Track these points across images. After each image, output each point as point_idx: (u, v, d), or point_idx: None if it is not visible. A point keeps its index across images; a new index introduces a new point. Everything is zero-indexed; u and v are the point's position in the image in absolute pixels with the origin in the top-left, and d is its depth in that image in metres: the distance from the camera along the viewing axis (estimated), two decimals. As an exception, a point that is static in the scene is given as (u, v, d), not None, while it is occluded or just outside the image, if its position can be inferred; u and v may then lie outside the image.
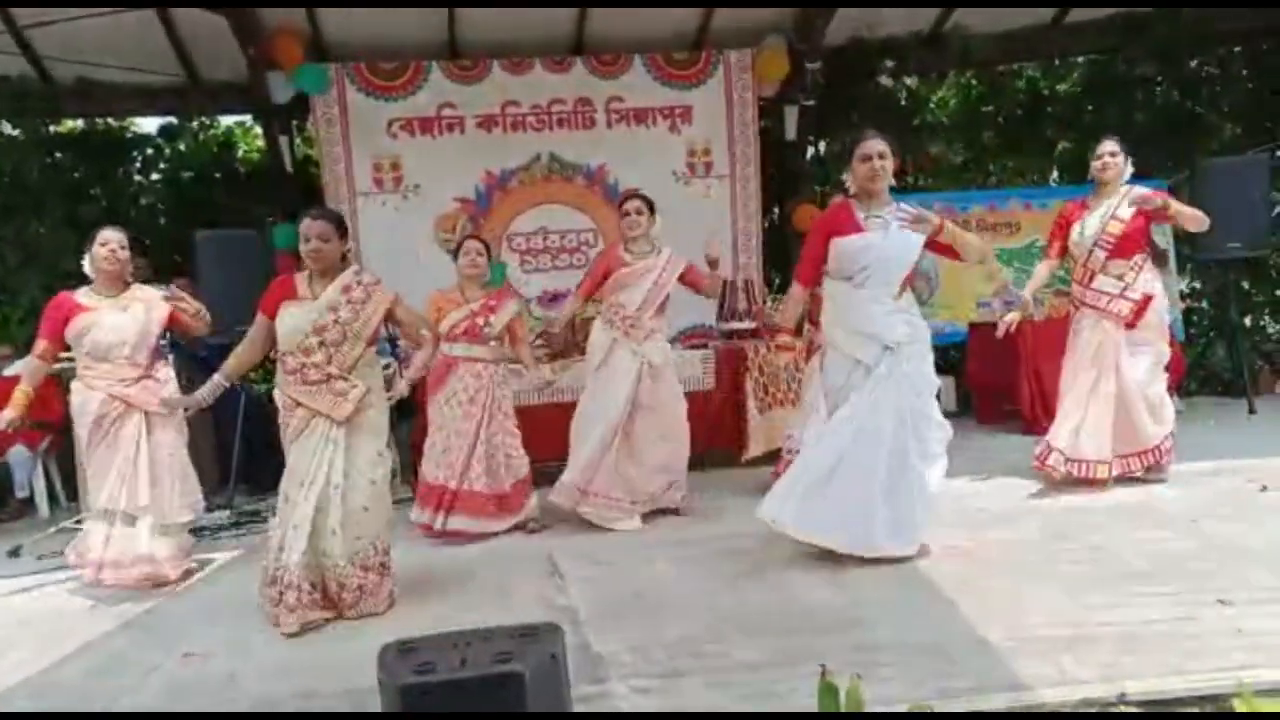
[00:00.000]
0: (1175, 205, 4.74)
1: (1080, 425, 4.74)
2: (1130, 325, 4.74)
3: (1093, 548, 3.73)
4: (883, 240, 3.75)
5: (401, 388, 4.00)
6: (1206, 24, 8.18)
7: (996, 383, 7.19)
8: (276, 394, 3.73)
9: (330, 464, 3.57)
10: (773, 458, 6.08)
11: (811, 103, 8.00)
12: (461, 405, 4.79)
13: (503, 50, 7.55)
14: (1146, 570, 3.38)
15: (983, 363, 7.39)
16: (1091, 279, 4.84)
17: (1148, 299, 4.73)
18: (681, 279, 4.95)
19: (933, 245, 3.86)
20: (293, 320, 3.62)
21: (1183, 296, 8.41)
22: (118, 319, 4.38)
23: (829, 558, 3.85)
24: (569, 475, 4.86)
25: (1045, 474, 4.83)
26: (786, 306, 4.23)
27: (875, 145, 3.77)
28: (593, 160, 7.70)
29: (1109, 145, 4.86)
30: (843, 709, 2.13)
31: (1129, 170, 4.88)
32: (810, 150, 8.84)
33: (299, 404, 3.60)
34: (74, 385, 4.46)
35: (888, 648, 2.82)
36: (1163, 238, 7.19)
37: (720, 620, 3.21)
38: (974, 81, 9.58)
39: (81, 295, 4.44)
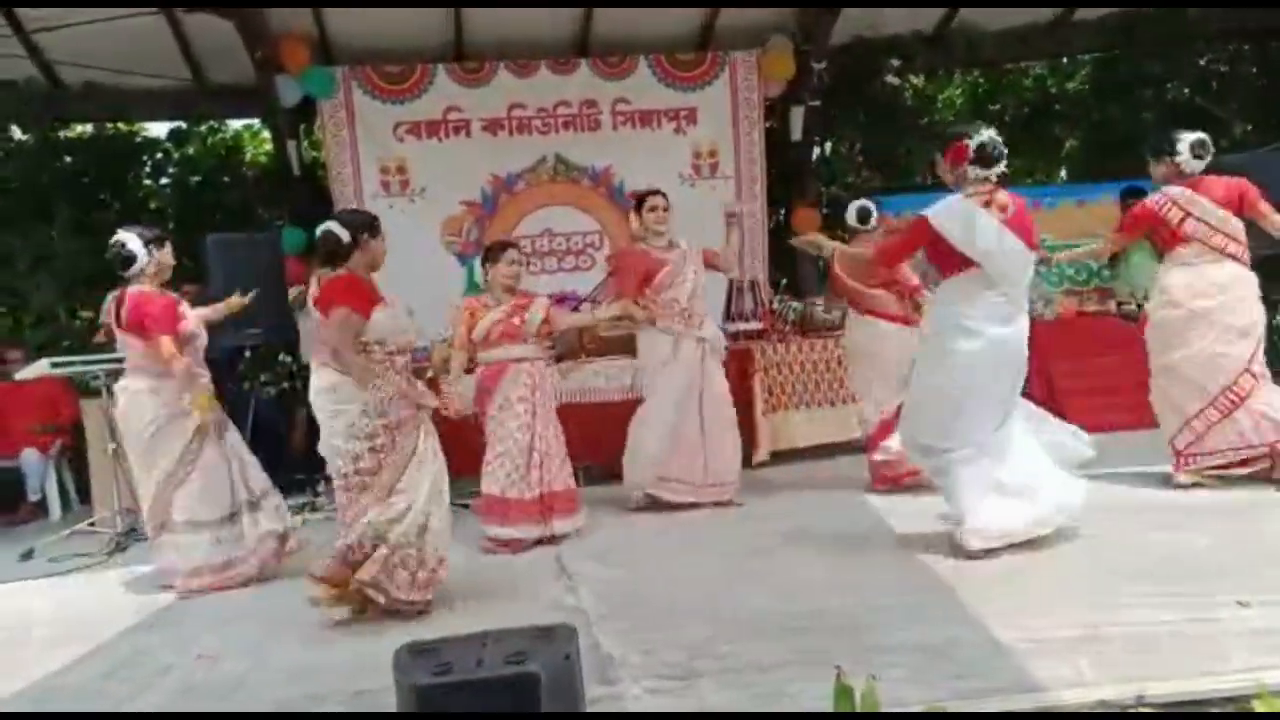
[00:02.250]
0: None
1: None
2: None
3: (1108, 547, 3.71)
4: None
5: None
6: (1208, 21, 8.16)
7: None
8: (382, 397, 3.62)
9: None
10: (780, 459, 6.10)
11: (817, 103, 7.99)
12: (513, 406, 4.67)
13: (508, 52, 7.56)
14: (1163, 570, 3.35)
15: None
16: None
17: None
18: (707, 264, 5.20)
19: None
20: (402, 321, 3.76)
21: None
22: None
23: (840, 558, 3.85)
24: (639, 473, 5.10)
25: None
26: None
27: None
28: (599, 162, 7.70)
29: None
30: (858, 710, 2.13)
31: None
32: (816, 150, 8.84)
33: (409, 399, 3.65)
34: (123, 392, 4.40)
35: (901, 649, 2.81)
36: None
37: (732, 621, 3.20)
38: (981, 80, 9.57)
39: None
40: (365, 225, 3.77)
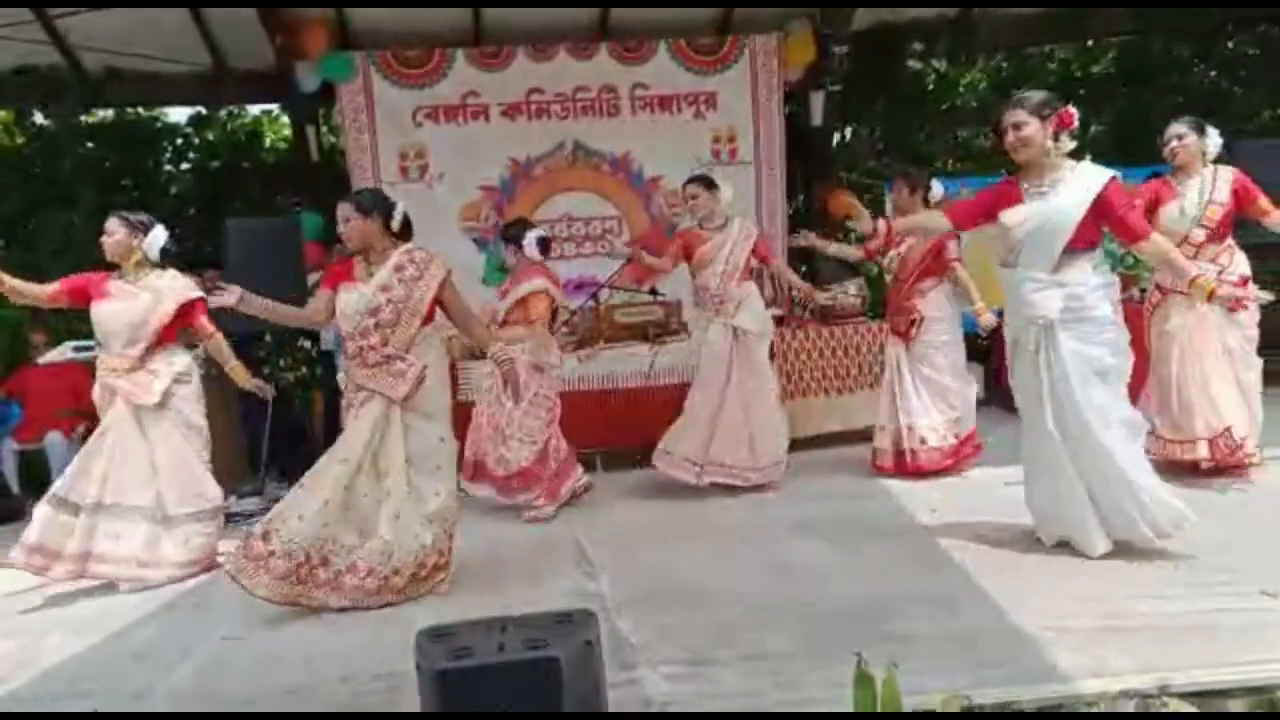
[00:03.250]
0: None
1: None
2: (1234, 309, 4.46)
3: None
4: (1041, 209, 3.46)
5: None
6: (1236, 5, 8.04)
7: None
8: (340, 378, 3.77)
9: (386, 446, 3.60)
10: (798, 446, 6.08)
11: (838, 88, 7.92)
12: (487, 393, 4.97)
13: (527, 37, 7.53)
14: (1185, 561, 3.33)
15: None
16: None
17: (1245, 279, 4.57)
18: (754, 251, 5.12)
19: None
20: (348, 304, 3.68)
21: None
22: (121, 306, 4.25)
23: (860, 546, 3.83)
24: (682, 448, 5.02)
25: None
26: None
27: (1010, 116, 3.48)
28: (617, 147, 7.68)
29: (1175, 128, 4.72)
30: (879, 698, 2.11)
31: (1211, 148, 4.74)
32: (836, 136, 8.77)
33: (360, 387, 3.64)
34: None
35: (921, 637, 2.80)
36: None
37: (751, 608, 3.20)
38: (1004, 64, 9.46)
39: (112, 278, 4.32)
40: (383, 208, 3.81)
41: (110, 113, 8.52)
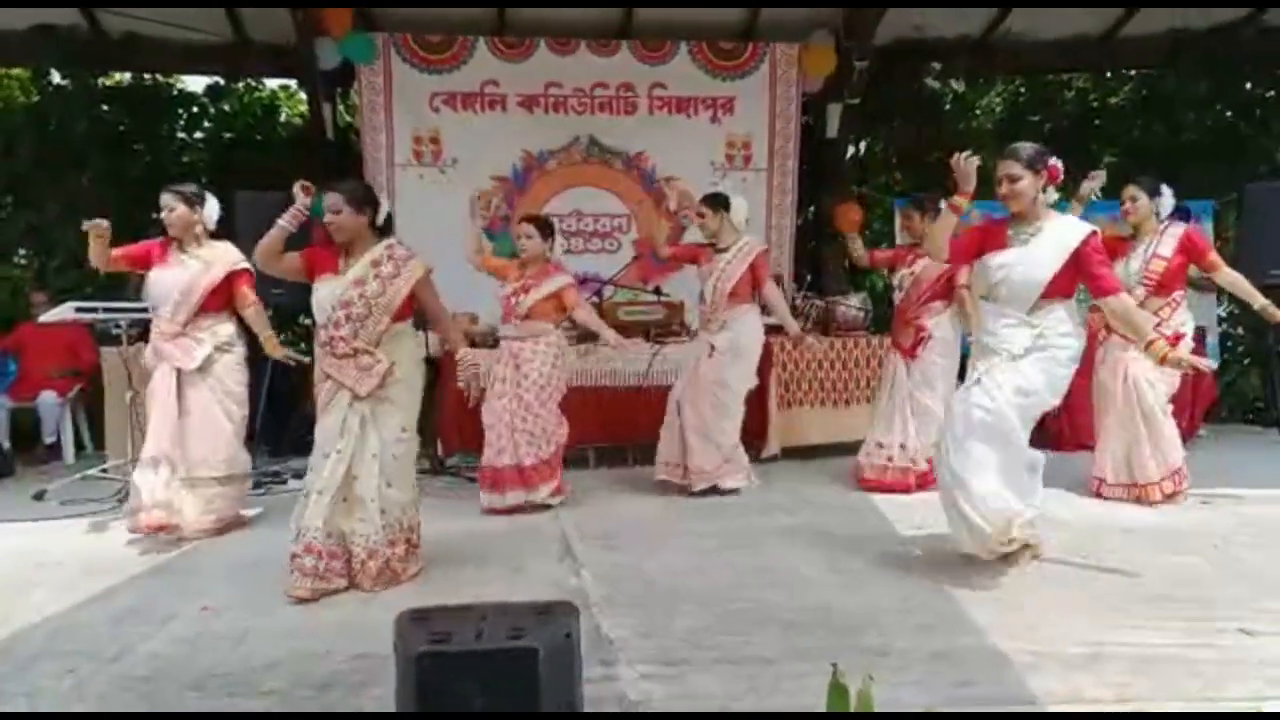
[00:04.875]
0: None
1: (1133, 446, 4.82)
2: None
3: (1114, 567, 3.69)
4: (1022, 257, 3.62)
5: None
6: (1261, 43, 8.04)
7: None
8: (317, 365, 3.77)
9: (356, 437, 3.59)
10: (791, 455, 6.10)
11: (856, 101, 7.93)
12: (495, 385, 4.92)
13: (551, 31, 7.54)
14: (1168, 593, 3.34)
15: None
16: None
17: (1178, 337, 4.70)
18: (752, 269, 5.15)
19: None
20: (322, 295, 3.67)
21: (1220, 321, 8.28)
22: (173, 273, 4.49)
23: (846, 558, 3.84)
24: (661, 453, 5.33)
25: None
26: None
27: (1004, 168, 3.63)
28: (632, 146, 7.68)
29: (1130, 190, 4.91)
30: (852, 710, 2.12)
31: (1165, 206, 4.94)
32: (850, 149, 8.78)
33: (328, 376, 3.64)
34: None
35: (900, 652, 2.81)
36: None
37: (733, 612, 3.21)
38: (1022, 90, 9.47)
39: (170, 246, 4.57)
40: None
41: (127, 77, 8.51)
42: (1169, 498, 4.77)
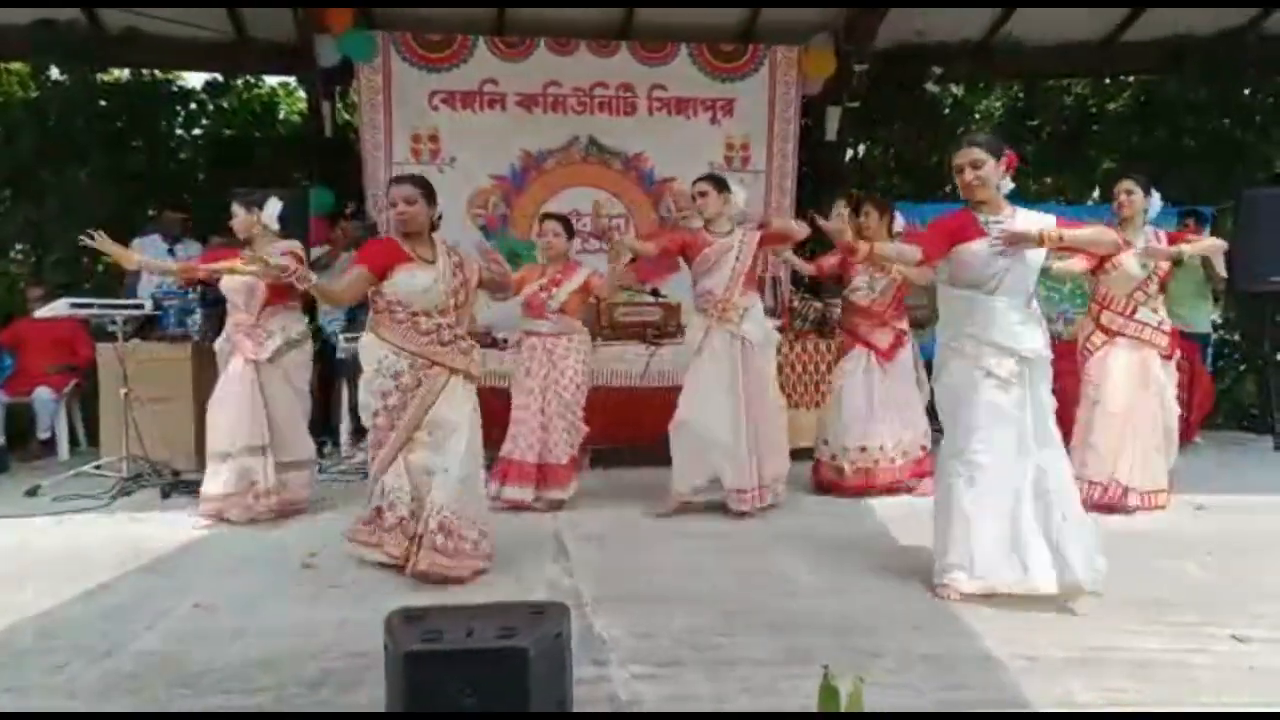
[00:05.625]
0: (1190, 248, 4.79)
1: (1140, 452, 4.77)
2: (1168, 357, 4.81)
3: (1109, 573, 3.68)
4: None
5: None
6: (1262, 49, 8.06)
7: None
8: (371, 347, 3.73)
9: (468, 420, 3.71)
10: (790, 457, 6.07)
11: (856, 104, 7.93)
12: (524, 380, 4.92)
13: (550, 31, 7.54)
14: (1161, 599, 3.34)
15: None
16: (1135, 311, 4.80)
17: (1176, 331, 4.85)
18: (764, 242, 4.88)
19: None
20: (421, 282, 3.68)
21: (1216, 328, 8.28)
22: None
23: (841, 560, 3.83)
24: (677, 481, 4.77)
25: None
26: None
27: (966, 155, 3.46)
28: (631, 147, 7.67)
29: (1127, 183, 4.82)
30: (843, 711, 2.12)
31: (1153, 207, 4.85)
32: (849, 152, 8.78)
33: (435, 362, 3.67)
34: None
35: (892, 655, 2.80)
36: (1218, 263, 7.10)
37: (726, 614, 3.20)
38: (1021, 94, 9.48)
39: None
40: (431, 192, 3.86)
41: (126, 73, 8.50)
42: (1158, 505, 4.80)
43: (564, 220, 5.14)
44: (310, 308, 7.00)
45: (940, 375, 3.55)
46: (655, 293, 6.51)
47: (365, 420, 3.79)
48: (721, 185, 4.86)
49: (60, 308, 5.48)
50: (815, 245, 6.24)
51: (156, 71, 8.52)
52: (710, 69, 7.71)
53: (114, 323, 5.61)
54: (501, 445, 4.87)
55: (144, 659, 2.88)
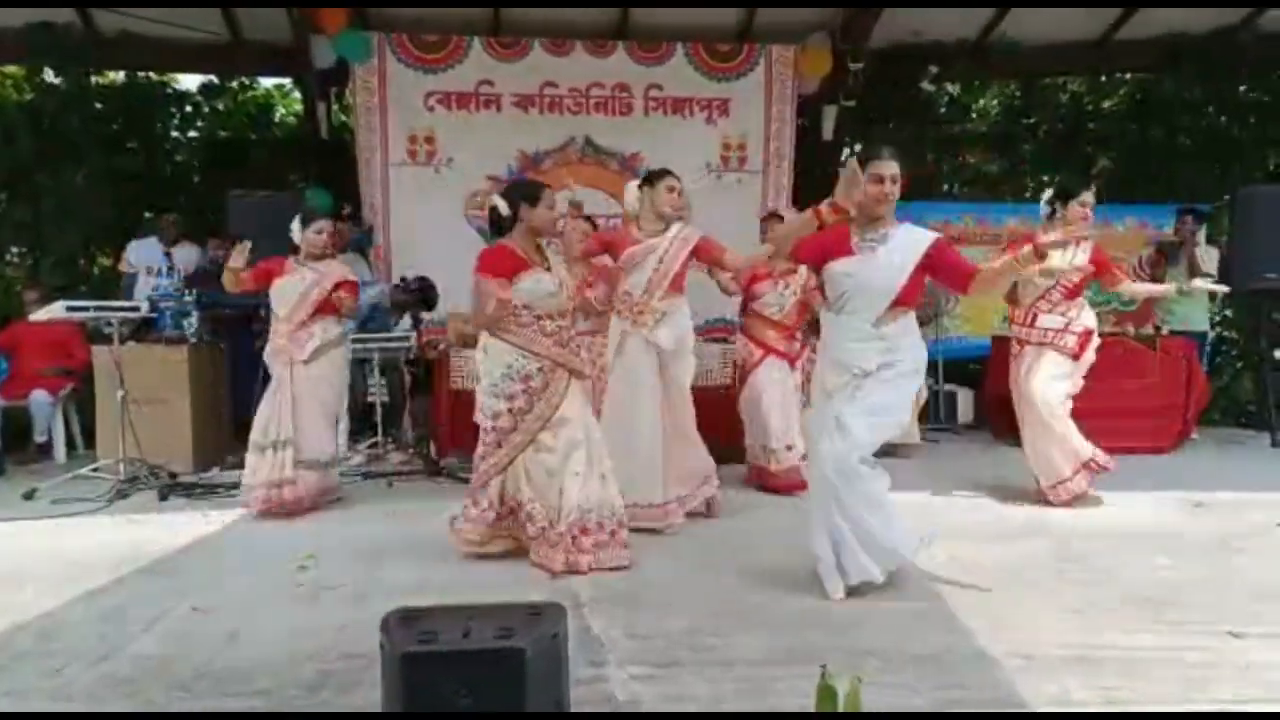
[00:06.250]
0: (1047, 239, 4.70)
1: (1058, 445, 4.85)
2: (1076, 357, 4.89)
3: (1105, 570, 3.69)
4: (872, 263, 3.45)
5: None
6: (1257, 48, 8.07)
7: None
8: (492, 353, 3.80)
9: (588, 418, 3.87)
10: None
11: (852, 103, 7.94)
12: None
13: (546, 31, 7.54)
14: (1159, 597, 3.34)
15: (999, 377, 7.32)
16: (1035, 319, 4.93)
17: (1089, 332, 4.91)
18: (697, 255, 4.58)
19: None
20: (547, 286, 3.80)
21: (1212, 325, 8.30)
22: (289, 282, 5.01)
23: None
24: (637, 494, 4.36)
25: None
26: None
27: (891, 167, 3.43)
28: (627, 147, 7.69)
29: (1088, 196, 4.87)
30: (841, 711, 2.12)
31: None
32: (845, 151, 8.78)
33: (558, 364, 3.78)
34: None
35: (888, 654, 2.80)
36: (1211, 262, 7.13)
37: (722, 614, 3.20)
38: (1017, 93, 9.49)
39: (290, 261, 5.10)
40: (524, 196, 3.87)
41: (121, 75, 8.50)
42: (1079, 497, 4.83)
43: (593, 221, 5.18)
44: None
45: None
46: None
47: (484, 423, 3.84)
48: (645, 181, 4.67)
49: (56, 310, 5.48)
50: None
51: (152, 74, 8.52)
52: (706, 69, 7.72)
53: (110, 325, 5.60)
54: None
55: (142, 661, 2.87)
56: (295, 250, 5.09)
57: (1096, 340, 4.96)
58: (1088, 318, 4.96)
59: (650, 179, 4.63)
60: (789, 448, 5.27)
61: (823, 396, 3.57)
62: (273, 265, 5.07)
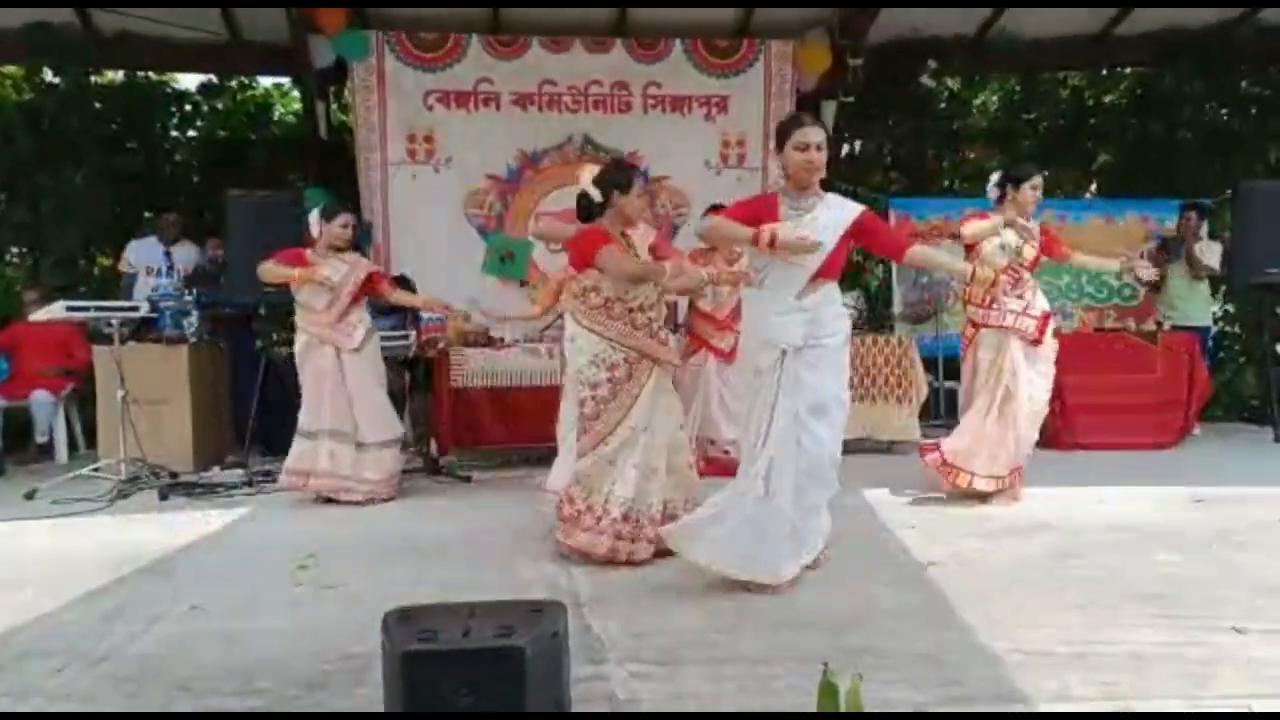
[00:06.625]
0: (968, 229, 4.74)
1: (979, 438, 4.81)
2: (1036, 342, 4.82)
3: (1106, 566, 3.68)
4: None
5: None
6: (1258, 43, 8.06)
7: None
8: (590, 340, 3.77)
9: (672, 407, 3.87)
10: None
11: (851, 99, 7.93)
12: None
13: (545, 30, 7.53)
14: (1159, 592, 3.33)
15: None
16: (993, 303, 4.85)
17: (1046, 315, 4.86)
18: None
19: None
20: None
21: (1215, 320, 8.29)
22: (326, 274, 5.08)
23: (837, 558, 3.83)
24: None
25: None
26: None
27: (816, 134, 3.44)
28: (626, 145, 7.67)
29: (1038, 179, 4.88)
30: (842, 709, 2.12)
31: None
32: (845, 148, 8.78)
33: (644, 354, 3.75)
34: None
35: (890, 652, 2.79)
36: (1215, 256, 7.13)
37: (723, 613, 3.19)
38: (1017, 88, 9.48)
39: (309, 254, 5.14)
40: (616, 184, 3.87)
41: (120, 75, 8.50)
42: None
43: None
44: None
45: None
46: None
47: (583, 394, 3.84)
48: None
49: (56, 310, 5.48)
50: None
51: (151, 73, 8.52)
52: (705, 65, 7.71)
53: (110, 325, 5.60)
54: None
55: (142, 661, 2.87)
56: (303, 244, 5.15)
57: (1054, 323, 4.94)
58: (1043, 301, 4.92)
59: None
60: (732, 440, 5.35)
61: (754, 375, 3.50)
62: (291, 255, 5.11)
